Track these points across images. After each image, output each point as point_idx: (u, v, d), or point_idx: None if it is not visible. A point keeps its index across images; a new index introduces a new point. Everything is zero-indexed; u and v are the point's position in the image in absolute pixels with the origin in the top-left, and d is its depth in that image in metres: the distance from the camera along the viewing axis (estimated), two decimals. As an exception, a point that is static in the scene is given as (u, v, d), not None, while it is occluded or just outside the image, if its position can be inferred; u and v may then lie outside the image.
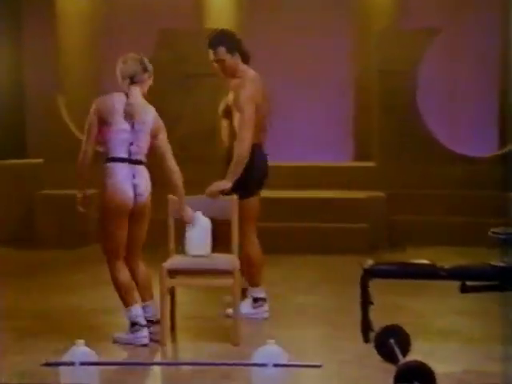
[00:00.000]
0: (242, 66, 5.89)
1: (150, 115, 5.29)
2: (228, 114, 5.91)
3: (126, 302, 5.27)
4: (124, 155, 5.18)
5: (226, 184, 5.71)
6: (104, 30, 11.84)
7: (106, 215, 5.18)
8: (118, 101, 5.22)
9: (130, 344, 5.22)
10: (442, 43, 10.74)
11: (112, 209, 5.15)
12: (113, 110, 5.19)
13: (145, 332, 5.25)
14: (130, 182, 5.18)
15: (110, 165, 5.18)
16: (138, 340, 5.23)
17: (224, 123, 5.98)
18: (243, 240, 5.86)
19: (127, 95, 5.23)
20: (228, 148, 5.94)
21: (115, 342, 5.28)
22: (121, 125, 5.18)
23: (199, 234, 5.39)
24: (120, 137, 5.18)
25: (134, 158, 5.21)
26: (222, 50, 5.81)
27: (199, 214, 5.43)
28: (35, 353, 5.02)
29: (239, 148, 5.73)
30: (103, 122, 5.19)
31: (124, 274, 5.27)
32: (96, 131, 5.21)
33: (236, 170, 5.74)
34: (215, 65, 5.87)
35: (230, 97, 5.90)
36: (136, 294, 5.33)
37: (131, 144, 5.20)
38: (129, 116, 5.20)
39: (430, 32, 9.83)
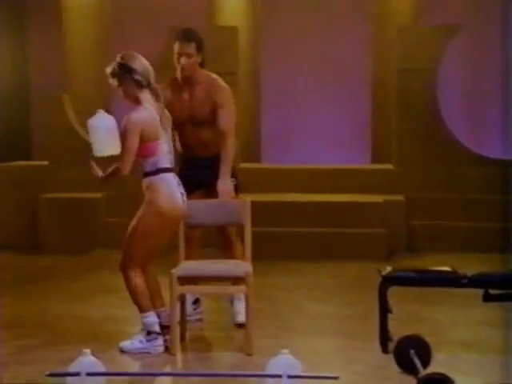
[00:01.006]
0: (202, 70, 5.95)
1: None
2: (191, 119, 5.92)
3: (143, 307, 5.30)
4: (168, 165, 5.31)
5: (229, 181, 5.80)
6: (111, 26, 11.87)
7: (160, 225, 5.22)
8: (156, 113, 5.27)
9: (145, 353, 5.22)
10: (462, 40, 10.70)
11: (169, 219, 5.24)
12: (158, 124, 5.25)
13: (161, 340, 5.30)
14: (179, 191, 5.31)
15: (162, 176, 5.26)
16: (155, 349, 5.27)
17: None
18: (230, 243, 5.98)
19: (157, 103, 5.28)
20: (188, 150, 5.99)
21: (123, 351, 5.28)
22: (164, 136, 5.29)
23: (105, 134, 5.22)
24: (165, 148, 5.29)
25: (172, 166, 5.36)
26: (193, 45, 5.87)
27: (101, 113, 5.27)
28: (39, 363, 5.03)
29: (231, 142, 5.85)
30: (151, 139, 5.21)
31: (142, 280, 5.32)
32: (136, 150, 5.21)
33: (230, 164, 5.85)
34: (183, 59, 5.84)
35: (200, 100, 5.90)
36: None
37: (170, 153, 5.35)
38: (165, 126, 5.31)
39: (450, 29, 9.80)
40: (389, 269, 4.86)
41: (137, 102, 5.24)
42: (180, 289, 5.28)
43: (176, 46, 5.87)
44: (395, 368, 4.69)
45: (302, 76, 12.52)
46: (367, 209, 9.15)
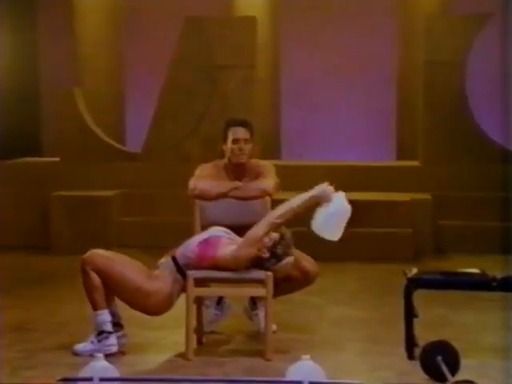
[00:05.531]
0: (251, 160, 5.93)
1: None
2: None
3: (97, 305, 5.32)
4: None
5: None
6: (125, 17, 11.90)
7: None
8: None
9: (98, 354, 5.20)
10: (494, 29, 10.62)
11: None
12: None
13: (113, 339, 5.30)
14: None
15: None
16: (106, 349, 5.20)
17: None
18: None
19: None
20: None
21: (77, 354, 5.27)
22: None
23: (331, 215, 5.34)
24: None
25: None
26: (249, 133, 5.85)
27: (339, 195, 5.33)
28: (49, 367, 5.06)
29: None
30: None
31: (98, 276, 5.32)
32: None
33: None
34: (242, 144, 5.77)
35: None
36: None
37: None
38: None
39: (481, 18, 9.76)
40: (414, 271, 4.85)
41: None
42: (196, 291, 5.29)
43: (232, 132, 5.81)
44: (422, 375, 4.68)
45: (324, 69, 12.51)
46: (392, 208, 9.13)
